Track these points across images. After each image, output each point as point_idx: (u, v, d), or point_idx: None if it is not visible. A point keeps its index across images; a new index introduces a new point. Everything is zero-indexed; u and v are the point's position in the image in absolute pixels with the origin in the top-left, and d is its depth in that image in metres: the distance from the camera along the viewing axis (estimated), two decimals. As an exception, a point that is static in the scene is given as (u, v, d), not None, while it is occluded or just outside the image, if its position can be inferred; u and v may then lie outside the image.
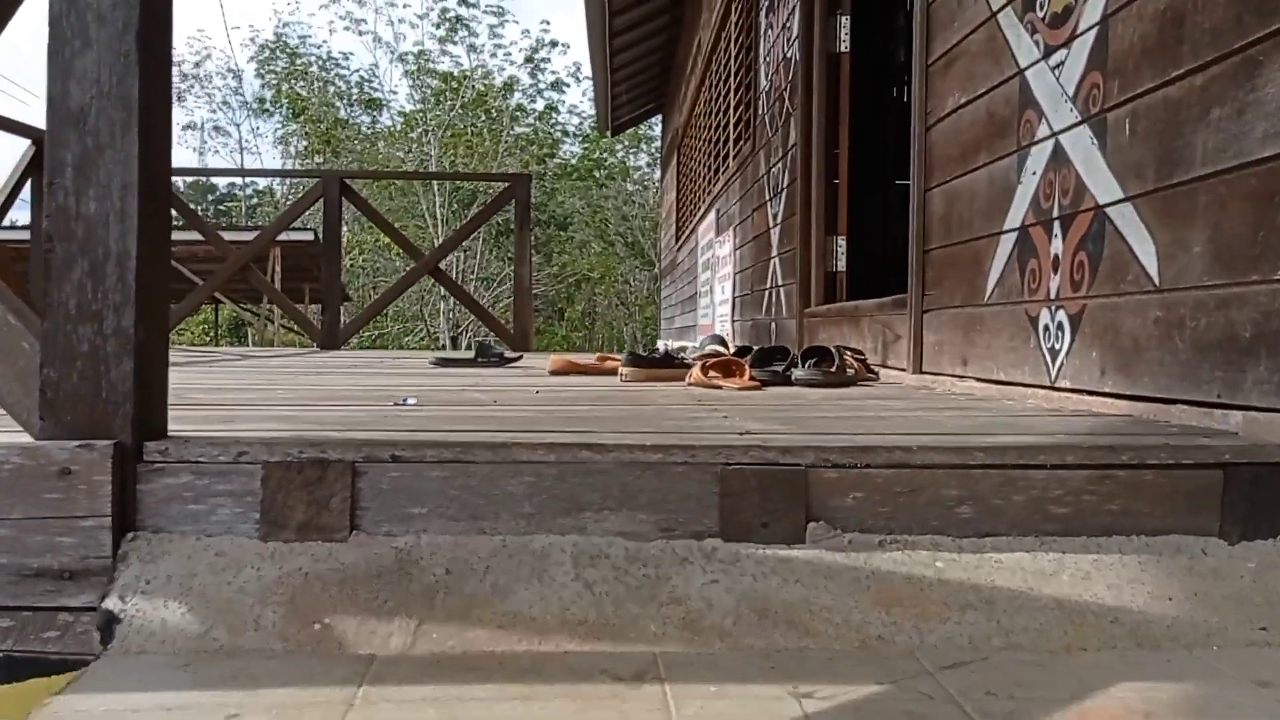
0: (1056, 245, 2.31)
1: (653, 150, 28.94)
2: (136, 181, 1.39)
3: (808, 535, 1.40)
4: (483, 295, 27.26)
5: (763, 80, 6.42)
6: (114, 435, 1.38)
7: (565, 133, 31.21)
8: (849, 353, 3.45)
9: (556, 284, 28.77)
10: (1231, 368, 1.69)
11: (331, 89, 32.80)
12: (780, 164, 5.68)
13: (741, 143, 7.27)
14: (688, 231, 11.65)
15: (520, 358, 4.52)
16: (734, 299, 7.51)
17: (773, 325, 5.92)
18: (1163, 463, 1.46)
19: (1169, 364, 1.87)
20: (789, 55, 5.46)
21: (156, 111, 1.44)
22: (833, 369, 2.97)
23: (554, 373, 3.75)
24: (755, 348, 3.38)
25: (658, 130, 19.13)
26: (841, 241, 4.92)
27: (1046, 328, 2.36)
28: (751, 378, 2.94)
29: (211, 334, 21.38)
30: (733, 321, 7.56)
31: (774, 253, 5.88)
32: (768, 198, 6.09)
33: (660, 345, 4.49)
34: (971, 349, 2.81)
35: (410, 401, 2.22)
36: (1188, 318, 1.81)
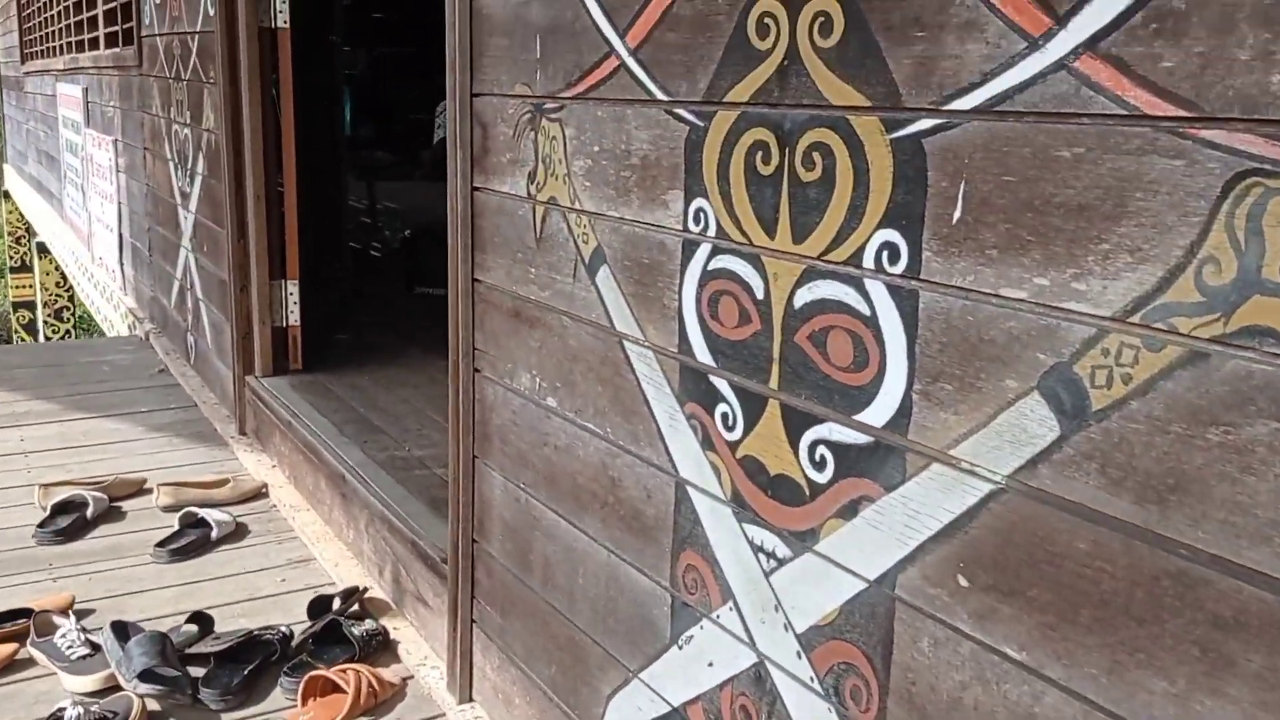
0: (752, 804, 1.52)
1: None
2: None
3: None
4: None
5: (149, -15, 4.66)
6: None
7: None
8: (355, 658, 2.43)
9: None
10: None
11: None
12: (189, 134, 4.17)
13: (119, 36, 5.40)
14: (38, 65, 9.07)
15: None
16: (121, 237, 5.82)
17: (193, 344, 4.54)
18: None
19: None
20: (195, -6, 3.87)
21: None
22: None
23: None
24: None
25: None
26: (293, 288, 3.71)
27: None
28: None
29: None
30: (121, 264, 5.89)
31: (185, 241, 4.42)
32: (170, 158, 4.53)
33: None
34: (570, 762, 1.97)
35: None
36: None
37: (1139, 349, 0.96)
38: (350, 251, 5.25)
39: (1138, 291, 0.95)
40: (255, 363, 3.81)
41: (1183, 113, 0.91)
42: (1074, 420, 1.02)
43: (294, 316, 3.81)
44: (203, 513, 3.10)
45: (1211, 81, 0.88)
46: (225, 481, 3.38)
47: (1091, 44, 0.97)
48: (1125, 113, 0.95)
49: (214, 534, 3.05)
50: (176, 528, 3.07)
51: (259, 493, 3.42)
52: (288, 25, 3.54)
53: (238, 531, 3.15)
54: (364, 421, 3.36)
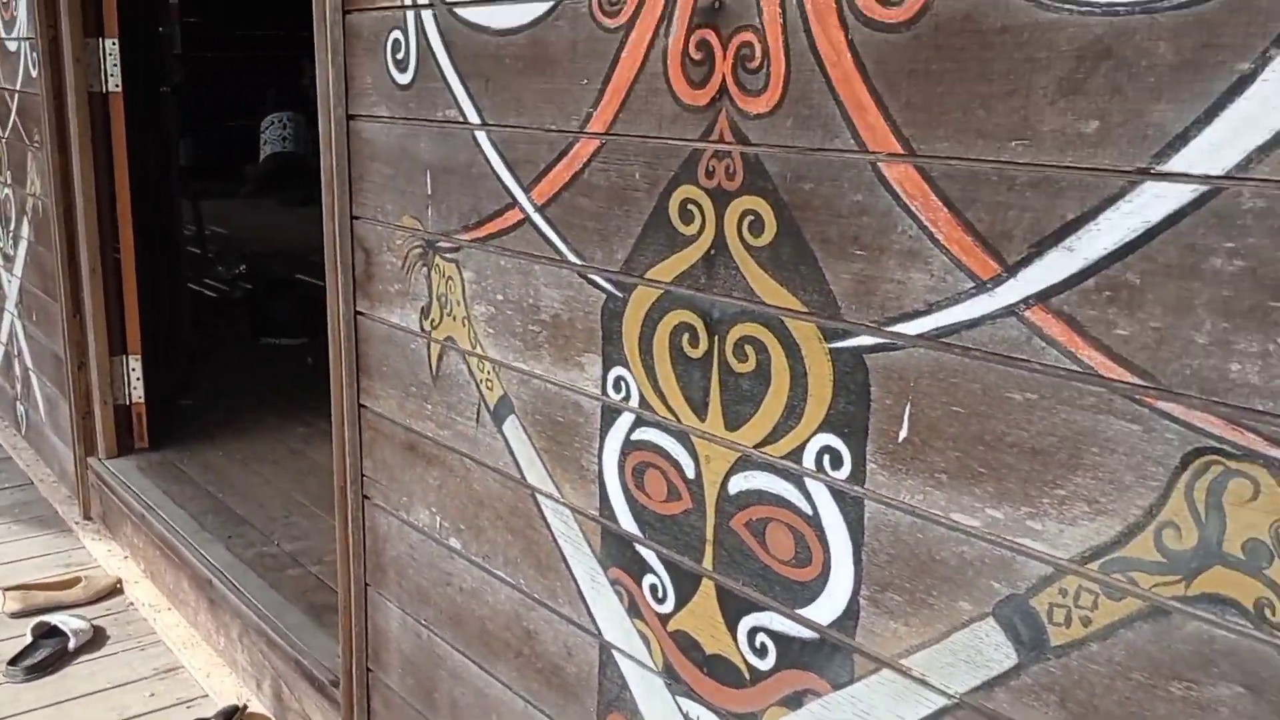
0: None
1: None
2: None
3: None
4: None
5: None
6: None
7: None
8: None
9: None
10: None
11: None
12: (10, 194, 3.89)
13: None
14: None
15: None
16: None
17: (24, 413, 4.23)
18: None
19: None
20: (13, 49, 3.60)
21: None
22: None
23: None
24: None
25: None
26: (135, 363, 3.50)
27: None
28: None
29: None
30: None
31: (10, 305, 4.13)
32: (-15, 215, 4.20)
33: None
34: None
35: None
36: None
37: (1098, 595, 0.98)
38: (188, 297, 4.98)
39: (1095, 541, 0.98)
40: (98, 443, 3.57)
41: (1139, 381, 0.93)
42: (1032, 651, 1.04)
43: (138, 393, 3.60)
44: (57, 620, 2.90)
45: (1168, 357, 0.91)
46: (77, 580, 3.17)
47: (1043, 298, 0.99)
48: (1079, 370, 0.97)
49: (71, 644, 2.85)
50: (29, 639, 2.85)
51: (114, 589, 3.22)
52: (119, 89, 3.32)
53: (96, 639, 2.96)
54: (225, 511, 3.20)
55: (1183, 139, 0.87)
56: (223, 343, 4.97)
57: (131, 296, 3.51)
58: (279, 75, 10.03)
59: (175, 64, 3.93)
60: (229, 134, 10.01)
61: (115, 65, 3.29)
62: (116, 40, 3.26)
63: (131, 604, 3.18)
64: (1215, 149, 0.85)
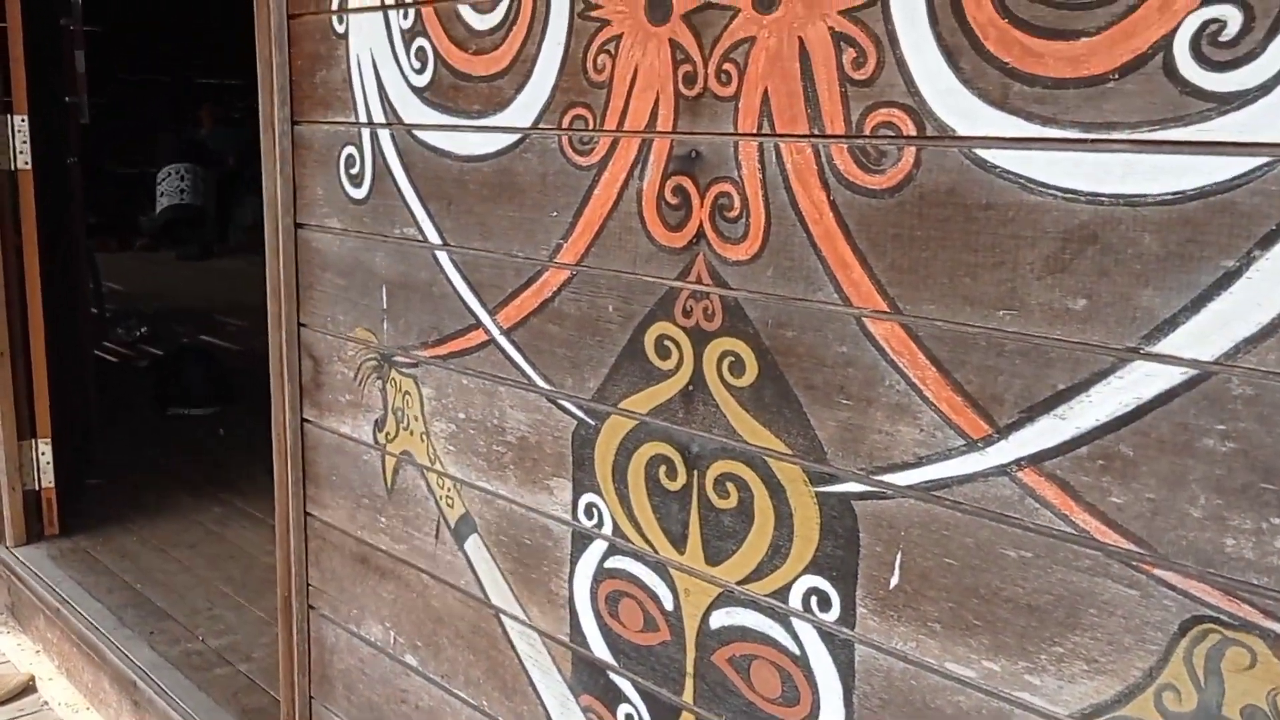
0: None
1: None
2: None
3: None
4: None
5: None
6: None
7: None
8: None
9: None
10: None
11: None
12: (-98, 270, 3.67)
13: None
14: None
15: None
16: None
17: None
18: None
19: None
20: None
21: None
22: None
23: None
24: None
25: None
26: (45, 447, 3.36)
27: None
28: None
29: None
30: None
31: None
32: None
33: None
34: None
35: None
36: None
37: (1097, 750, 1.01)
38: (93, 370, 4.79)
39: (1095, 700, 1.00)
40: (6, 531, 3.42)
41: (1135, 548, 0.96)
42: (1030, 802, 1.06)
43: (47, 478, 3.45)
44: (-37, 731, 2.75)
45: (1164, 528, 0.94)
46: (-16, 682, 3.01)
47: (1035, 460, 1.01)
48: (1074, 532, 1.00)
49: (-20, 757, 2.70)
50: (-68, 755, 2.69)
51: (26, 688, 3.07)
52: (29, 166, 3.20)
53: (8, 746, 2.81)
54: (145, 604, 3.08)
55: (1171, 324, 0.91)
56: (128, 414, 4.79)
57: (41, 379, 3.37)
58: (173, 124, 9.80)
59: (81, 135, 3.80)
60: (119, 182, 9.71)
61: (25, 142, 3.17)
62: (26, 117, 3.15)
63: (46, 703, 3.03)
64: (1204, 336, 0.89)
